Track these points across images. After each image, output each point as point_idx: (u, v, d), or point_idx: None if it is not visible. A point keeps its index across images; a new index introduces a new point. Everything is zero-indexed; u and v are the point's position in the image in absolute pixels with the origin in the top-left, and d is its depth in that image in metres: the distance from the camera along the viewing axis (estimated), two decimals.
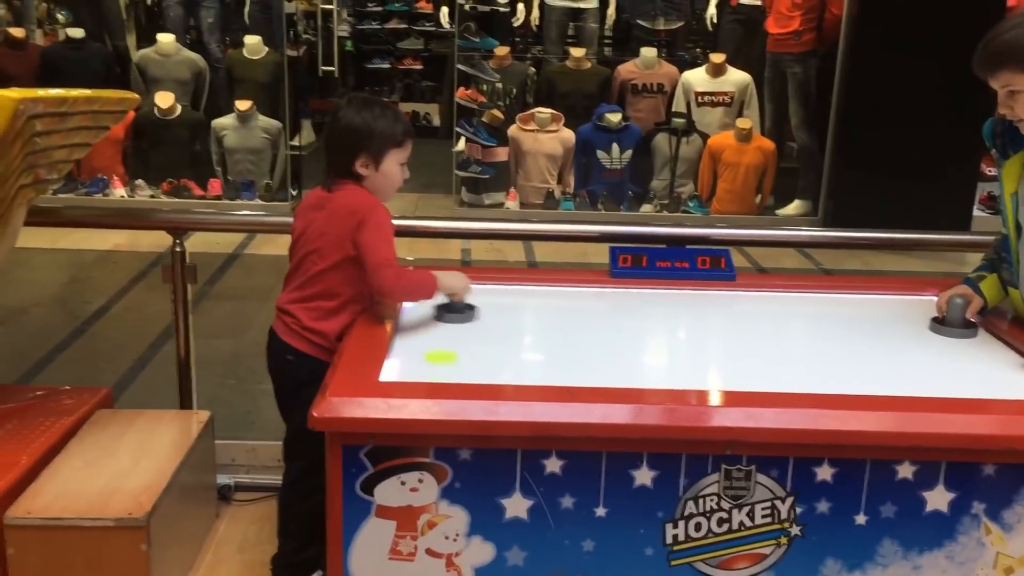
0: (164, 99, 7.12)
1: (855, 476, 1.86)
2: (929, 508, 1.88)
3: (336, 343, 2.31)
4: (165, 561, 2.41)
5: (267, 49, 7.59)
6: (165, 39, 7.47)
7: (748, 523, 1.88)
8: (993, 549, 1.90)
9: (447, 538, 1.89)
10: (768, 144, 7.08)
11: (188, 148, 7.32)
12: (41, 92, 2.34)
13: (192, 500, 2.74)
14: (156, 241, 3.42)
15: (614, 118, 7.04)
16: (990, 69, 2.07)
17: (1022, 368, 2.15)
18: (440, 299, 2.37)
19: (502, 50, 7.41)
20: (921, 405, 1.89)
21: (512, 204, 7.18)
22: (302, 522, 2.44)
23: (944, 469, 1.86)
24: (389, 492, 1.86)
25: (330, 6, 8.29)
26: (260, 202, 7.16)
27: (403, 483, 1.85)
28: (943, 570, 1.91)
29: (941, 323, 2.36)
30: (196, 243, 3.07)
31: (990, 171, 7.11)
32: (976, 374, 2.14)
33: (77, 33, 7.46)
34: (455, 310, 2.35)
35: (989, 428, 1.86)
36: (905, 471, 1.86)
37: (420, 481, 1.86)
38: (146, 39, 8.03)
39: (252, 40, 7.58)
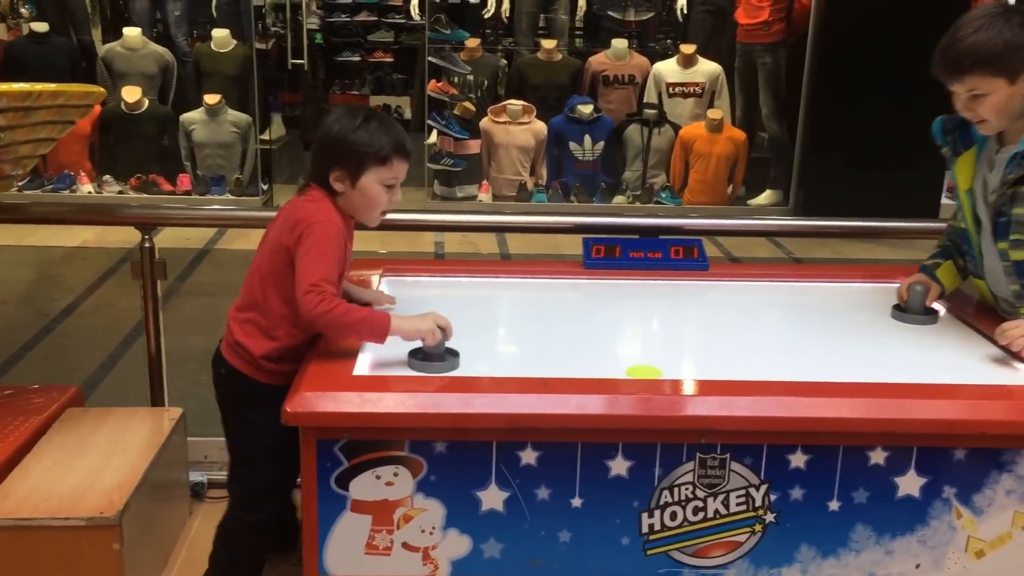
0: (131, 93, 7.04)
1: (828, 463, 1.88)
2: (901, 493, 1.90)
3: (265, 365, 2.13)
4: (138, 560, 2.39)
5: (235, 42, 7.52)
6: (131, 33, 7.38)
7: (723, 511, 1.89)
8: (964, 533, 1.93)
9: (423, 531, 1.88)
10: (739, 134, 7.12)
11: (156, 143, 7.25)
12: (4, 87, 2.30)
13: (165, 498, 2.71)
14: (125, 237, 3.38)
15: (586, 109, 7.04)
16: (956, 73, 2.04)
17: (988, 353, 2.18)
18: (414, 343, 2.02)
19: (473, 42, 7.39)
20: (892, 391, 1.91)
21: (485, 196, 7.17)
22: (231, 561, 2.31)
23: (915, 454, 1.88)
24: (364, 486, 1.85)
25: None
26: (231, 197, 7.10)
27: (378, 477, 1.85)
28: (915, 554, 1.93)
29: (902, 310, 2.39)
30: (166, 239, 3.04)
31: None
32: (945, 360, 2.16)
33: (41, 27, 7.35)
34: (430, 357, 1.98)
35: (959, 413, 1.87)
36: (877, 457, 1.87)
37: (395, 475, 1.85)
38: (112, 33, 7.93)
39: (220, 33, 7.51)
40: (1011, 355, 2.11)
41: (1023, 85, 2.03)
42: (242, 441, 2.27)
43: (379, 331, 1.98)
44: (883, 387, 1.92)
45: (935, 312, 2.39)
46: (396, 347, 2.02)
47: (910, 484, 1.89)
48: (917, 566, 1.94)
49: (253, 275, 2.16)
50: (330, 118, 2.15)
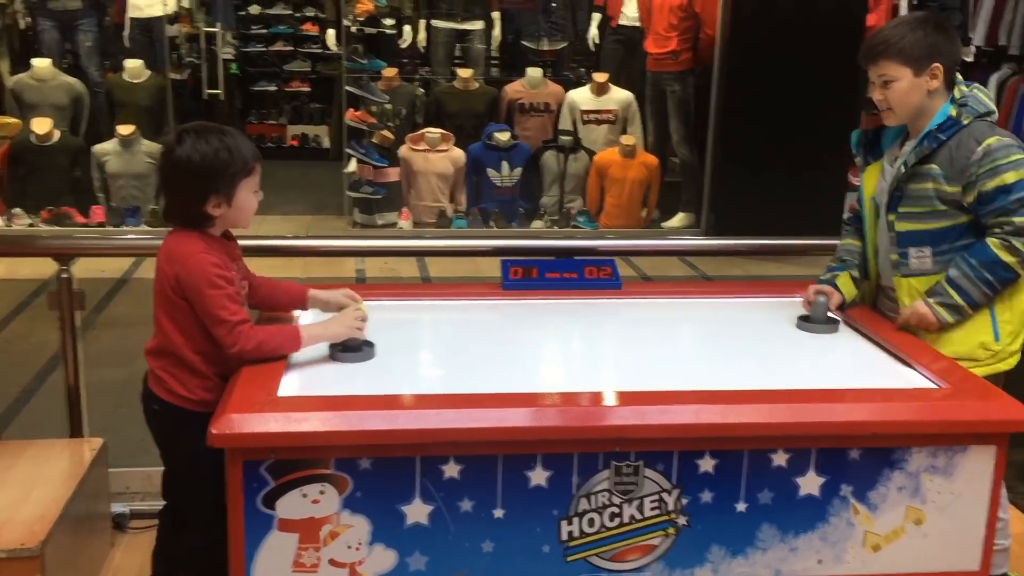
0: (41, 125, 6.91)
1: (735, 466, 1.99)
2: (803, 493, 2.02)
3: (194, 395, 2.16)
4: None
5: (149, 72, 7.46)
6: (41, 64, 7.26)
7: (638, 516, 1.99)
8: (861, 528, 2.05)
9: (350, 547, 1.93)
10: (651, 159, 7.32)
11: (68, 175, 7.10)
12: None
13: (87, 529, 2.69)
14: (36, 270, 3.35)
15: (503, 137, 7.16)
16: (871, 59, 2.39)
17: (880, 359, 2.33)
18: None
19: (390, 71, 7.46)
20: (792, 397, 2.04)
21: (405, 224, 7.22)
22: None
23: (815, 455, 2.00)
24: (291, 505, 1.89)
25: (214, 29, 8.20)
26: (147, 228, 6.99)
27: (305, 495, 1.89)
28: (817, 550, 2.05)
29: (808, 321, 2.53)
30: (79, 270, 3.01)
31: (856, 181, 7.51)
32: (841, 366, 2.31)
33: None
34: (349, 348, 2.21)
35: (854, 415, 2.01)
36: (780, 459, 1.99)
37: (321, 492, 1.89)
38: (21, 64, 7.77)
39: (133, 64, 7.43)
40: (902, 360, 2.27)
41: (925, 80, 2.35)
42: (189, 469, 2.22)
43: (293, 344, 2.15)
44: (783, 393, 2.05)
45: (836, 321, 2.54)
46: (320, 362, 2.16)
47: (810, 484, 2.01)
48: (819, 561, 2.06)
49: (157, 316, 2.19)
50: (180, 150, 2.08)
